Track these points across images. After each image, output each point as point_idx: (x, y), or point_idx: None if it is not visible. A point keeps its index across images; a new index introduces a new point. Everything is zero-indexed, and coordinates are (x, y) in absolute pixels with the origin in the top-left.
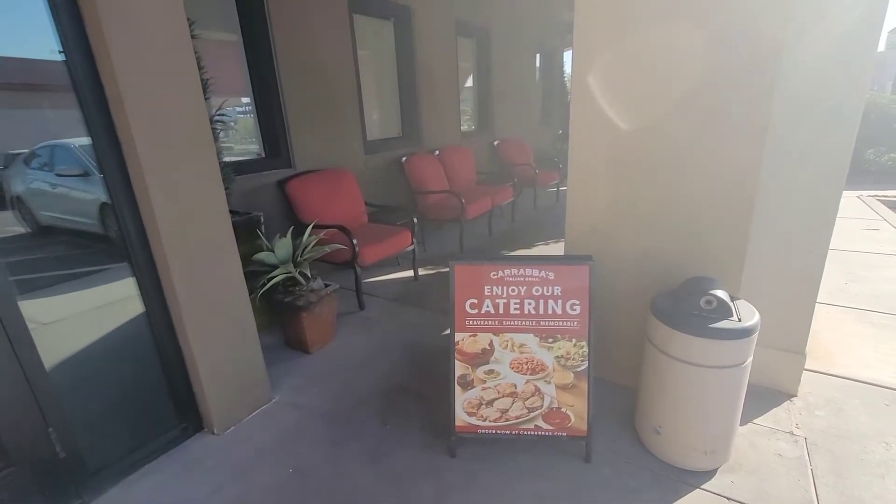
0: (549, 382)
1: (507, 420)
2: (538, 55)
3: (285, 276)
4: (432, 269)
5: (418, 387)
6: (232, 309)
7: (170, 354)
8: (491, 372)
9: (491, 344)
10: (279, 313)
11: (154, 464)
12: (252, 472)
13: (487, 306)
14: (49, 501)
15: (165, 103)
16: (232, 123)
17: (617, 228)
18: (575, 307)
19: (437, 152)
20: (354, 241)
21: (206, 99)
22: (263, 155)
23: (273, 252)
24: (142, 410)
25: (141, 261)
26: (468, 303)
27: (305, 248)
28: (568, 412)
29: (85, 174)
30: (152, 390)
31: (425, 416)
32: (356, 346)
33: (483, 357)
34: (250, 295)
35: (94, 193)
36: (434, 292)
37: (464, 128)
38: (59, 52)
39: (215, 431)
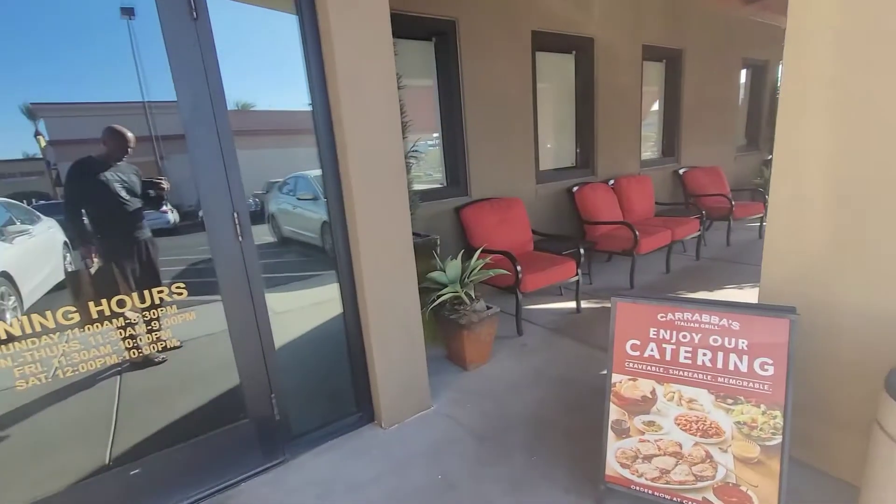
0: (726, 451)
1: (667, 483)
2: (744, 70)
3: (453, 294)
4: (597, 302)
5: (568, 423)
6: (406, 319)
7: (356, 350)
8: (651, 424)
9: (653, 392)
10: (444, 329)
11: (335, 441)
12: (407, 469)
13: (651, 350)
14: (264, 451)
15: (374, 144)
16: (422, 155)
17: (839, 278)
18: (767, 367)
19: (611, 182)
20: (518, 268)
21: (403, 138)
22: (445, 184)
23: (444, 272)
24: (331, 394)
25: (344, 270)
26: (629, 343)
27: (472, 270)
28: (750, 493)
29: (315, 198)
30: (340, 379)
31: (572, 456)
32: (510, 371)
33: (643, 405)
34: (421, 309)
35: (319, 213)
36: (595, 327)
37: (646, 155)
38: (308, 105)
39: (382, 425)
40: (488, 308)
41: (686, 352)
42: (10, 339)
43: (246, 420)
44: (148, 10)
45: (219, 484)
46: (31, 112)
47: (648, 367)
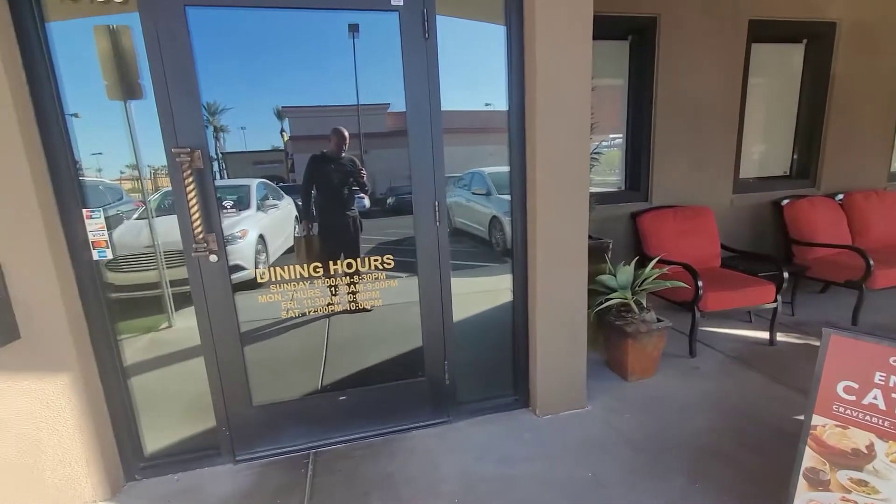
0: None
1: None
2: None
3: (621, 300)
4: (799, 337)
5: (742, 460)
6: (572, 316)
7: (520, 338)
8: (863, 484)
9: (871, 448)
10: (608, 334)
11: (490, 416)
12: (557, 457)
13: (874, 398)
14: (433, 409)
15: (562, 146)
16: (602, 156)
17: None
18: None
19: (839, 196)
20: (699, 283)
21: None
22: (623, 188)
23: (615, 276)
24: (493, 372)
25: (519, 261)
26: (842, 385)
27: (646, 279)
28: None
29: (488, 194)
30: (503, 360)
31: (744, 495)
32: (677, 392)
33: (853, 460)
34: (587, 309)
35: (489, 209)
36: (793, 365)
37: None
38: (504, 105)
39: (536, 413)
40: (659, 321)
41: None
42: (260, 284)
43: (423, 378)
44: (372, 30)
45: (397, 426)
46: (280, 114)
47: (867, 417)
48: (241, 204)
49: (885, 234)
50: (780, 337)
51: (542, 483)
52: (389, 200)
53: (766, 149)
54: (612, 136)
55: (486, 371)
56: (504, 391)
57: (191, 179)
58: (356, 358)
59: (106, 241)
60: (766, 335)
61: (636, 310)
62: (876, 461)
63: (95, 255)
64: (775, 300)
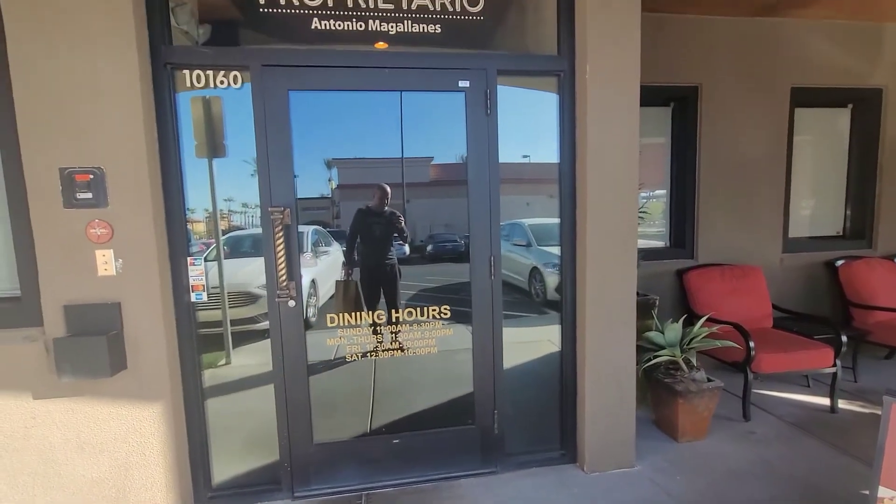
0: None
1: None
2: None
3: (669, 358)
4: (862, 405)
5: None
6: (619, 372)
7: (568, 392)
8: None
9: None
10: (656, 393)
11: (537, 469)
12: None
13: None
14: (481, 458)
15: (610, 205)
16: (648, 214)
17: None
18: None
19: None
20: (751, 344)
21: None
22: (668, 244)
23: (662, 333)
24: (540, 424)
25: (568, 314)
26: None
27: (694, 337)
28: None
29: (528, 245)
30: (550, 413)
31: None
32: (731, 456)
33: None
34: (636, 366)
35: (529, 260)
36: (858, 435)
37: None
38: (556, 160)
39: (584, 469)
40: (709, 380)
41: None
42: (310, 325)
43: (472, 426)
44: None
45: (446, 473)
46: (329, 164)
47: None
48: (307, 255)
49: None
50: (841, 404)
51: None
52: (429, 248)
53: (817, 208)
54: (657, 191)
55: (533, 423)
56: (551, 445)
57: (280, 234)
58: (406, 402)
59: (203, 285)
60: (826, 401)
61: (685, 368)
62: None
63: (193, 297)
64: (834, 365)
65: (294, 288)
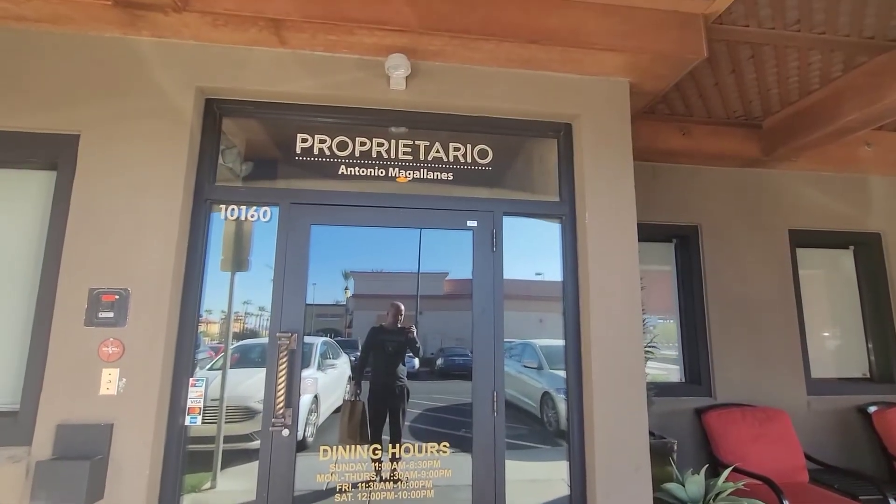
0: None
1: None
2: None
3: None
4: None
5: None
6: None
7: None
8: None
9: None
10: None
11: None
12: None
13: None
14: None
15: (614, 339)
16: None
17: None
18: None
19: None
20: (786, 503)
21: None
22: (684, 380)
23: (683, 486)
24: None
25: (576, 448)
26: None
27: (720, 493)
28: None
29: (539, 367)
30: None
31: None
32: None
33: None
34: None
35: (540, 384)
36: None
37: None
38: (545, 277)
39: None
40: None
41: None
42: (304, 447)
43: None
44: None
45: None
46: (346, 275)
47: None
48: (304, 362)
49: None
50: None
51: None
52: (439, 361)
53: (839, 347)
54: (667, 317)
55: None
56: None
57: (284, 360)
58: None
59: (200, 408)
60: None
61: None
62: None
63: (187, 421)
64: None
65: (290, 416)
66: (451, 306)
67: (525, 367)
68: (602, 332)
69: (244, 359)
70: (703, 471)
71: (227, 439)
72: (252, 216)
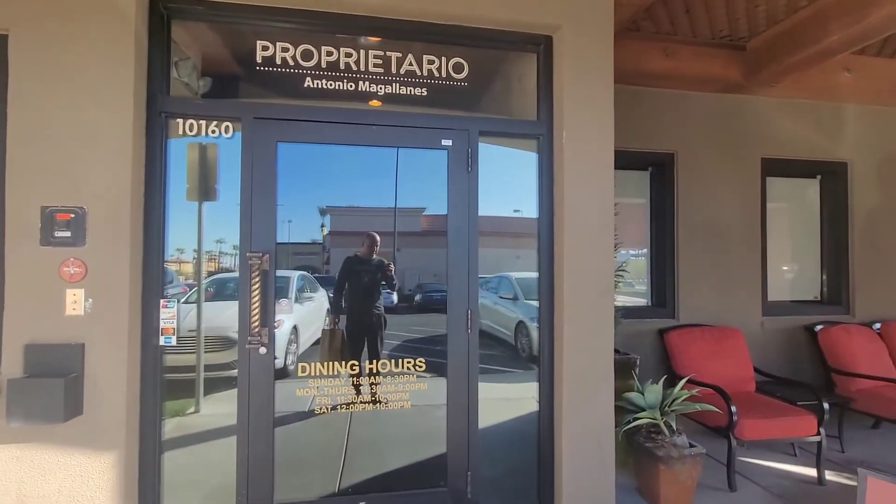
0: None
1: None
2: None
3: (650, 421)
4: (850, 477)
5: None
6: (598, 432)
7: (545, 453)
8: None
9: None
10: (637, 457)
11: None
12: None
13: None
14: None
15: (586, 264)
16: (627, 274)
17: None
18: None
19: (876, 325)
20: (733, 409)
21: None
22: (650, 303)
23: (643, 395)
24: (516, 488)
25: (545, 372)
26: None
27: (675, 399)
28: None
29: (514, 298)
30: (526, 475)
31: None
32: None
33: None
34: (615, 428)
35: (515, 313)
36: None
37: None
38: (524, 214)
39: None
40: (691, 446)
41: None
42: (287, 374)
43: (444, 489)
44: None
45: None
46: (323, 211)
47: None
48: (280, 294)
49: None
50: (829, 475)
51: None
52: (417, 297)
53: (795, 272)
54: (640, 250)
55: (510, 487)
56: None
57: (257, 280)
58: (376, 460)
59: (173, 328)
60: (813, 472)
61: (666, 432)
62: None
63: (162, 341)
64: (818, 433)
65: (266, 335)
66: (429, 243)
67: (501, 297)
68: (575, 254)
69: (220, 293)
70: (661, 381)
71: (209, 367)
72: (213, 132)
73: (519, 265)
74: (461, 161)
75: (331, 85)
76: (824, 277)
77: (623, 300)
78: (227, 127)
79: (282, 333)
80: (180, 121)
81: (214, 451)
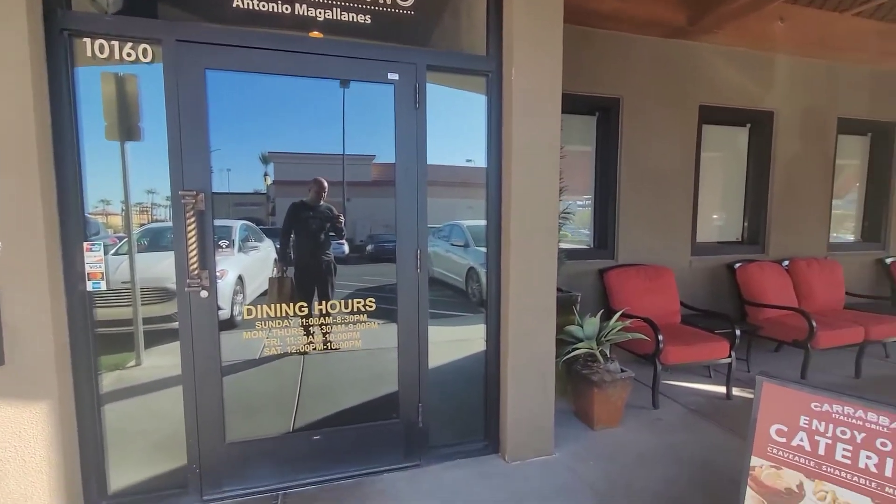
0: None
1: None
2: None
3: (587, 350)
4: (753, 392)
5: None
6: (540, 364)
7: (492, 386)
8: None
9: (800, 487)
10: (575, 384)
11: (462, 461)
12: (525, 503)
13: (801, 440)
14: (405, 452)
15: (533, 203)
16: (572, 216)
17: None
18: None
19: (785, 262)
20: (660, 337)
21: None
22: (592, 246)
23: (582, 328)
24: (465, 418)
25: (492, 312)
26: (774, 428)
27: (611, 330)
28: None
29: (466, 245)
30: (475, 407)
31: None
32: (640, 441)
33: (787, 498)
34: (556, 359)
35: (467, 260)
36: (748, 419)
37: (839, 238)
38: (477, 163)
39: (505, 459)
40: (622, 371)
41: (845, 450)
42: (235, 324)
43: (397, 420)
44: (370, 94)
45: (368, 468)
46: (266, 158)
47: (796, 458)
48: (229, 246)
49: (826, 298)
50: (736, 391)
51: None
52: (369, 247)
53: (722, 217)
54: (584, 197)
55: (459, 417)
56: (475, 437)
57: (192, 220)
58: (330, 400)
59: (102, 273)
60: (723, 389)
61: (601, 360)
62: (806, 499)
63: (90, 286)
64: (730, 356)
65: (207, 278)
66: (380, 192)
67: (453, 245)
68: (522, 194)
69: (155, 244)
70: (598, 315)
71: (149, 321)
72: (129, 55)
73: (471, 214)
74: (408, 96)
75: (264, 6)
76: (746, 221)
77: (567, 247)
78: (145, 50)
79: (226, 283)
80: (87, 41)
81: (162, 401)
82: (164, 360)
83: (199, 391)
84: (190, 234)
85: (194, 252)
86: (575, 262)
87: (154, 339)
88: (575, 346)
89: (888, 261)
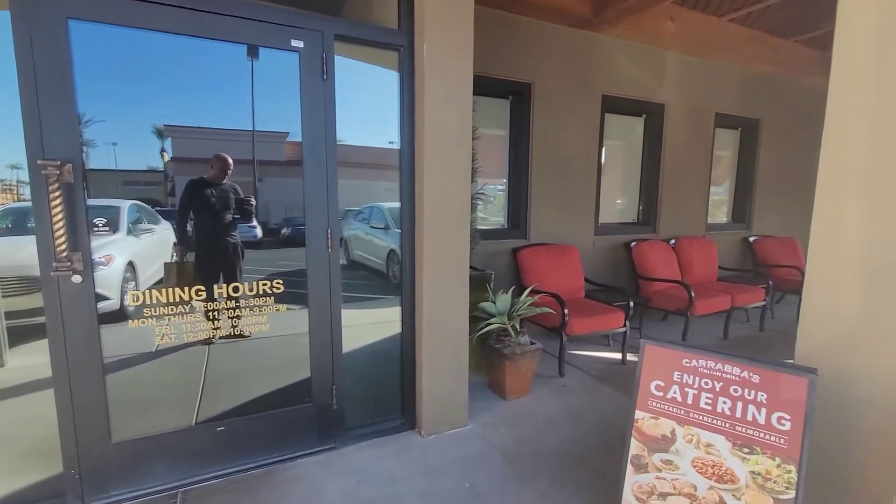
0: (739, 499)
1: None
2: None
3: (499, 325)
4: None
5: (596, 461)
6: (455, 341)
7: (407, 364)
8: (669, 463)
9: (673, 433)
10: (488, 358)
11: (378, 440)
12: (438, 474)
13: (674, 392)
14: (320, 435)
15: (446, 184)
16: (491, 199)
17: (869, 351)
18: (784, 422)
19: (672, 241)
20: (566, 311)
21: (473, 181)
22: (506, 226)
23: (495, 304)
24: (380, 399)
25: (407, 292)
26: (654, 384)
27: (521, 306)
28: None
29: (386, 228)
30: (391, 386)
31: (594, 489)
32: (547, 407)
33: (662, 444)
34: (469, 335)
35: (387, 242)
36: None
37: (715, 219)
38: (396, 144)
39: (422, 434)
40: (532, 343)
41: (707, 398)
42: (125, 315)
43: (310, 404)
44: (279, 66)
45: (281, 456)
46: (161, 132)
47: (670, 408)
48: (109, 227)
49: (703, 272)
50: (630, 357)
51: (422, 498)
52: (284, 231)
53: (620, 200)
54: (501, 180)
55: (375, 397)
56: (391, 415)
57: (58, 194)
58: (238, 389)
59: None
60: (619, 356)
61: (513, 334)
62: (677, 443)
63: None
64: (625, 325)
65: (79, 260)
66: (296, 173)
67: (373, 227)
68: (434, 172)
69: (18, 226)
70: (510, 291)
71: (13, 315)
72: None
73: (390, 196)
74: (315, 67)
75: None
76: (641, 205)
77: (483, 227)
78: None
79: (114, 270)
80: None
81: (34, 404)
82: (33, 360)
83: (74, 390)
84: (56, 210)
85: (61, 230)
86: (490, 241)
87: (22, 335)
88: (488, 322)
89: (751, 239)
